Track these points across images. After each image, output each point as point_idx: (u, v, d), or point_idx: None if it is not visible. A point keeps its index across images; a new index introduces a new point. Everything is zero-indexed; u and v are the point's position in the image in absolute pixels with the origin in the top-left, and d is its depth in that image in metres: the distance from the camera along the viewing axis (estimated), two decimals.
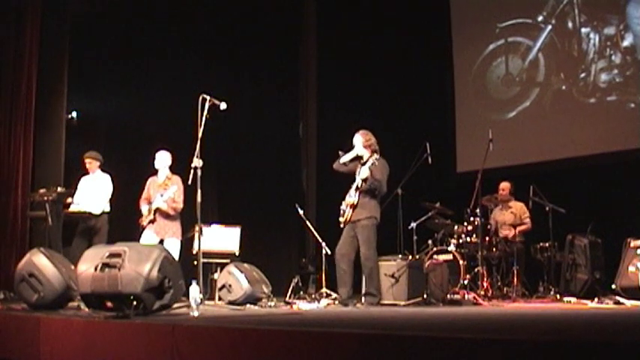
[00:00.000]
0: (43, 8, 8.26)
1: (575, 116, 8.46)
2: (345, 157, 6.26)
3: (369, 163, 5.97)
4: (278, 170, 10.40)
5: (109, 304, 4.02)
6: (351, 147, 6.31)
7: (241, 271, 6.02)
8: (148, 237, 6.74)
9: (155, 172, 7.03)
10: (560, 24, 8.72)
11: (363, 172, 5.99)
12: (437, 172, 8.25)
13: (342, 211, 6.23)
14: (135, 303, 3.89)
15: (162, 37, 9.20)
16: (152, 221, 6.76)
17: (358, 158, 6.26)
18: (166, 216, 6.77)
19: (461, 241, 7.26)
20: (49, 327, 3.99)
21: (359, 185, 6.06)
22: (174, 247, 6.67)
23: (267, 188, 10.11)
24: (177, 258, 6.35)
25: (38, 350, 3.94)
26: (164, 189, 6.76)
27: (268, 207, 10.04)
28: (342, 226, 6.24)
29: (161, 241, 6.68)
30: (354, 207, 6.07)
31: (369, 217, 6.06)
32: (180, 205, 6.79)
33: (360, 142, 6.25)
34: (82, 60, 8.71)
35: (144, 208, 6.90)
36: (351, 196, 6.09)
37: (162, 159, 6.96)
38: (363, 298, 6.16)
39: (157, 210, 6.75)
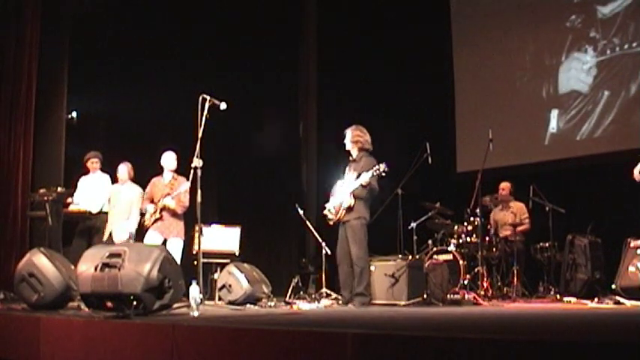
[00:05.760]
0: (43, 8, 8.25)
1: (575, 116, 8.46)
2: (355, 184, 6.01)
3: (373, 171, 5.88)
4: (278, 170, 10.40)
5: (109, 304, 4.02)
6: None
7: (241, 271, 6.03)
8: (152, 237, 6.65)
9: (158, 173, 6.98)
10: (560, 23, 8.71)
11: (364, 177, 5.93)
12: (437, 172, 8.24)
13: (329, 211, 6.18)
14: (135, 303, 3.89)
15: (162, 37, 9.19)
16: (157, 220, 6.70)
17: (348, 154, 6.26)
18: (173, 214, 6.70)
19: (461, 241, 7.27)
20: (49, 327, 3.98)
21: (355, 188, 5.99)
22: (177, 246, 6.62)
23: (267, 188, 10.11)
24: (179, 258, 6.34)
25: (38, 350, 3.94)
26: (170, 188, 6.72)
27: (268, 207, 10.05)
28: (331, 224, 6.23)
29: (164, 241, 6.61)
30: (348, 209, 6.03)
31: (358, 217, 6.02)
32: (187, 204, 6.74)
33: (349, 137, 6.24)
34: (82, 60, 8.70)
35: (148, 207, 6.78)
36: (347, 200, 6.00)
37: (170, 159, 6.91)
38: (353, 299, 6.10)
39: (164, 208, 6.68)
